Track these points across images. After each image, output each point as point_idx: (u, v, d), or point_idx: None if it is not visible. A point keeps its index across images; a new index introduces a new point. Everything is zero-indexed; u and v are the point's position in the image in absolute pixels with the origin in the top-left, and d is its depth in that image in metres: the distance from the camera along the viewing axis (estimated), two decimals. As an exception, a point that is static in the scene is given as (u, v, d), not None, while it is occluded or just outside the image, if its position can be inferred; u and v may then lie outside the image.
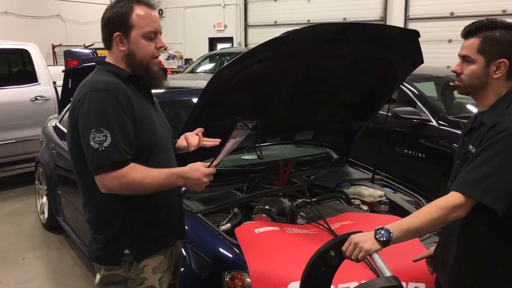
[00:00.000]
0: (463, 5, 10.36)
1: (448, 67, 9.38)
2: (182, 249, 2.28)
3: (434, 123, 5.00)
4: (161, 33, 1.92)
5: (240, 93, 2.75)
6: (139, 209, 1.88)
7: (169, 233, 2.02)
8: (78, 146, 1.79)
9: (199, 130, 2.17)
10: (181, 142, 2.16)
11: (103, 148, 1.71)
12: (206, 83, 2.57)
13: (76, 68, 5.54)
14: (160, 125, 1.99)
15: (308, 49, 2.64)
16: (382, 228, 1.61)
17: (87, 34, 13.64)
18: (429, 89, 5.79)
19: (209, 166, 1.86)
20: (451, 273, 1.85)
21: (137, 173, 1.76)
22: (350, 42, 2.67)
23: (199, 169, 1.83)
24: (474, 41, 1.75)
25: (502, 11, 9.74)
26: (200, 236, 2.45)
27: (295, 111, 3.13)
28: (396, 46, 2.85)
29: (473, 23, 1.78)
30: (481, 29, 1.75)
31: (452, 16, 10.67)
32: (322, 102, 3.17)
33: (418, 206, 3.08)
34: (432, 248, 2.07)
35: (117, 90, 1.78)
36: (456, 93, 5.92)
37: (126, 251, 1.88)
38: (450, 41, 10.46)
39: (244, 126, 1.92)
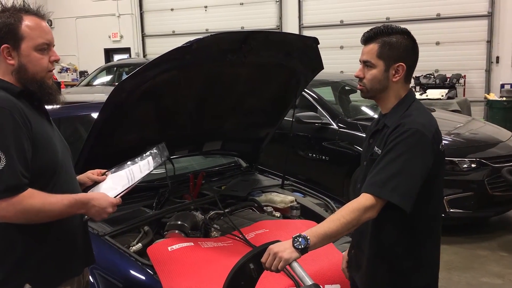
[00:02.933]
0: (351, 14, 11.04)
1: (342, 72, 9.92)
2: (90, 276, 2.12)
3: (334, 126, 5.23)
4: (54, 45, 1.79)
5: (144, 106, 2.64)
6: (41, 238, 1.72)
7: (75, 260, 1.87)
8: None
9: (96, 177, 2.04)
10: (83, 178, 2.04)
11: None
12: (107, 97, 2.44)
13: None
14: (59, 143, 1.84)
15: (212, 58, 2.61)
16: (299, 236, 1.61)
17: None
18: (327, 94, 6.05)
19: (115, 197, 1.81)
20: (366, 272, 1.91)
21: (36, 199, 1.60)
22: (252, 50, 2.68)
23: (106, 198, 1.77)
24: (373, 47, 1.83)
25: (386, 18, 10.53)
26: (109, 260, 2.30)
27: (202, 121, 3.07)
28: (297, 53, 2.92)
29: (371, 29, 1.86)
30: (378, 35, 1.83)
31: (342, 24, 11.30)
32: (229, 111, 3.15)
33: (327, 208, 3.18)
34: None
35: (12, 106, 1.62)
36: (351, 97, 6.26)
37: (27, 286, 1.70)
38: (341, 47, 11.07)
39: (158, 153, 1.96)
